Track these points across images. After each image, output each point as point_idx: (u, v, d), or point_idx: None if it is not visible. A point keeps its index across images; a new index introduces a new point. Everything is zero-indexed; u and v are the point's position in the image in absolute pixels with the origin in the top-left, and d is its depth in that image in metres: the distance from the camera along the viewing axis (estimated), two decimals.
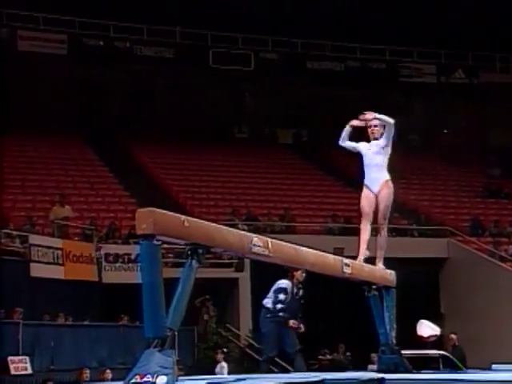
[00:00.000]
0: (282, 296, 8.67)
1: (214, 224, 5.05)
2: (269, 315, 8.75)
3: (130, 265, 16.24)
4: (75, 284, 15.34)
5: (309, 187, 22.70)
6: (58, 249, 15.47)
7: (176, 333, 4.50)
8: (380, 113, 7.35)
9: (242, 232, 5.28)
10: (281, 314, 8.67)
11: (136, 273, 14.65)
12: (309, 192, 22.34)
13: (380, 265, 7.05)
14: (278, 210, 20.37)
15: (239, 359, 16.41)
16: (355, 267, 6.53)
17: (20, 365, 12.58)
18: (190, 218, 4.72)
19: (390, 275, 7.08)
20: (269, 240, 5.35)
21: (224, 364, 14.54)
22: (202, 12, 23.32)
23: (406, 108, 27.60)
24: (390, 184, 7.43)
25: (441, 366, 12.84)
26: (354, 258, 6.95)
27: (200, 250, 4.68)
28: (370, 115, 7.45)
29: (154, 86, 24.76)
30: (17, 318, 13.35)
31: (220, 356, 14.84)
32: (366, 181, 7.31)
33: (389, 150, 7.49)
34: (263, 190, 22.01)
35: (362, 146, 7.43)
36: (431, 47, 26.06)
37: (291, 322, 8.69)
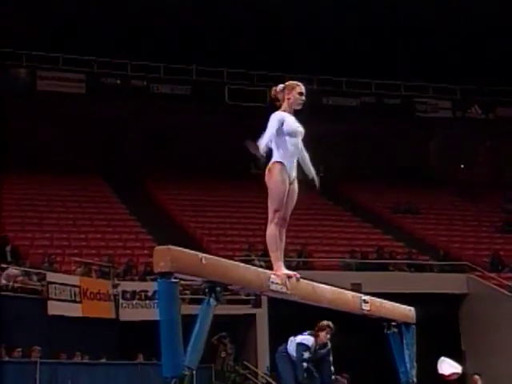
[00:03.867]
0: (307, 355, 8.56)
1: (231, 261, 5.04)
2: (284, 354, 8.70)
3: (148, 302, 16.19)
4: (92, 321, 15.30)
5: (326, 222, 22.64)
6: (75, 286, 15.48)
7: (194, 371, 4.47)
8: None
9: (260, 269, 5.25)
10: (301, 371, 8.54)
11: (153, 310, 14.61)
12: (326, 227, 22.28)
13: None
14: (295, 246, 20.30)
15: None
16: (374, 304, 6.46)
17: None
18: (207, 255, 4.72)
19: (410, 311, 6.99)
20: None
21: None
22: (217, 49, 23.60)
23: (422, 143, 27.62)
24: None
25: None
26: (373, 294, 6.86)
27: (218, 288, 4.66)
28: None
29: (171, 123, 24.97)
30: (34, 356, 13.32)
31: None
32: (285, 160, 5.50)
33: None
34: None
35: (285, 117, 5.59)
36: (447, 82, 26.15)
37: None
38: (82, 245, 18.92)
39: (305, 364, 8.55)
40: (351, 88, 26.07)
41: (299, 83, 5.78)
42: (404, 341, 6.80)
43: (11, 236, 17.56)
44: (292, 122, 5.59)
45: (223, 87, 24.34)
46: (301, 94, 5.69)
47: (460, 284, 19.91)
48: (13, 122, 22.05)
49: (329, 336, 8.54)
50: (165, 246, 4.42)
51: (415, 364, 6.81)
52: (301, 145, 5.66)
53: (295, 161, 5.60)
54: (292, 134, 5.55)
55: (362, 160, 26.08)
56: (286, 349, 8.73)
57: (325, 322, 8.76)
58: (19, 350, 13.47)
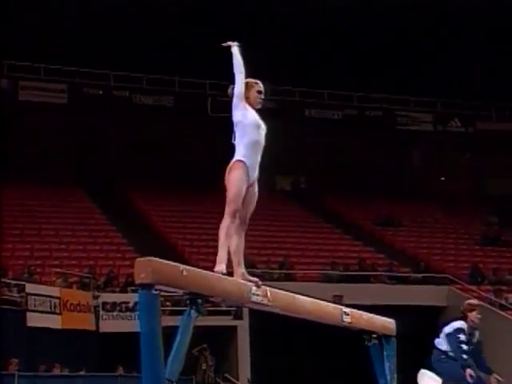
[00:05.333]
0: (463, 336, 8.02)
1: (212, 273, 5.04)
2: (443, 356, 8.23)
3: (128, 313, 16.11)
4: (72, 333, 15.20)
5: (307, 234, 22.69)
6: (55, 297, 15.37)
7: None
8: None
9: (241, 281, 5.26)
10: (465, 356, 8.02)
11: (134, 321, 14.55)
12: (307, 239, 22.32)
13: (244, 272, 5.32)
14: (277, 257, 20.32)
15: None
16: (354, 316, 6.48)
17: None
18: (188, 267, 4.71)
19: (391, 324, 7.02)
20: (268, 289, 5.33)
21: None
22: (200, 61, 23.65)
23: (404, 156, 27.82)
24: None
25: None
26: (353, 306, 6.88)
27: (199, 300, 4.66)
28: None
29: (153, 135, 24.95)
30: (12, 369, 13.19)
31: None
32: (245, 158, 5.26)
33: None
34: (261, 237, 21.99)
35: (250, 109, 5.40)
36: (428, 96, 26.39)
37: (468, 372, 7.91)
38: (62, 256, 18.81)
39: (463, 346, 7.98)
40: (333, 100, 26.22)
41: (258, 81, 5.52)
42: (384, 353, 6.81)
43: None
44: (255, 117, 5.37)
45: (206, 99, 24.38)
46: (259, 92, 5.44)
47: (440, 296, 20.02)
48: None
49: (479, 316, 8.11)
50: (146, 258, 4.42)
51: (395, 376, 6.83)
52: (263, 142, 5.39)
53: (257, 161, 5.34)
54: (254, 127, 5.33)
55: (344, 172, 26.20)
56: (440, 351, 8.24)
57: (473, 302, 8.48)
58: None
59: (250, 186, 5.32)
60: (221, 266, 5.09)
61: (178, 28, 24.02)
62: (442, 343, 8.35)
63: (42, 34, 22.76)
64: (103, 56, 23.17)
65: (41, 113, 22.92)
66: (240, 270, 5.30)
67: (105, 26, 23.47)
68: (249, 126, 5.32)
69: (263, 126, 5.41)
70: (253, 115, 5.37)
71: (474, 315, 8.20)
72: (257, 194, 5.42)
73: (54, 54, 22.57)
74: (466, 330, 8.16)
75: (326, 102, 26.19)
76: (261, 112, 5.56)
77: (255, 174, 5.34)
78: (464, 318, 8.23)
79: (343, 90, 25.71)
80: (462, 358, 8.05)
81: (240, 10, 23.73)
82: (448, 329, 8.31)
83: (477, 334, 8.36)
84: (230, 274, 5.23)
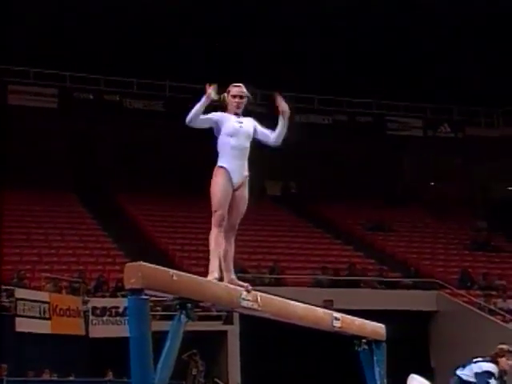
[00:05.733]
0: (493, 382, 7.94)
1: (202, 278, 5.04)
2: None
3: (118, 318, 16.06)
4: (62, 338, 15.14)
5: (297, 239, 22.70)
6: (44, 302, 15.30)
7: None
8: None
9: (231, 286, 5.26)
10: None
11: (124, 326, 14.49)
12: (298, 244, 22.34)
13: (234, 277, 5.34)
14: (267, 262, 20.32)
15: None
16: (345, 321, 6.49)
17: None
18: (178, 271, 4.71)
19: (381, 328, 7.03)
20: (258, 294, 5.33)
21: None
22: (191, 65, 23.66)
23: (393, 161, 27.89)
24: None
25: None
26: (344, 311, 6.88)
27: (189, 305, 4.65)
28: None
29: (144, 139, 24.90)
30: (1, 374, 13.13)
31: None
32: (226, 164, 5.31)
33: None
34: (252, 242, 21.99)
35: (225, 117, 5.45)
36: (417, 101, 26.48)
37: None
38: (52, 260, 18.73)
39: None
40: (323, 106, 26.27)
41: (236, 85, 5.52)
42: (374, 358, 6.82)
43: None
44: (231, 123, 5.39)
45: (196, 103, 24.36)
46: (234, 96, 5.46)
47: (430, 301, 20.07)
48: None
49: (510, 363, 7.96)
50: (136, 263, 4.42)
51: (385, 381, 6.84)
52: (246, 144, 5.39)
53: (242, 164, 5.36)
54: (231, 134, 5.36)
55: (334, 177, 26.24)
56: (463, 381, 8.14)
57: (504, 347, 8.21)
58: None
59: (235, 189, 5.31)
60: (213, 275, 5.14)
61: (169, 33, 24.02)
62: (467, 375, 8.21)
63: (31, 39, 22.71)
64: (94, 60, 23.13)
65: (31, 117, 22.84)
66: (229, 275, 5.32)
67: (95, 31, 23.44)
68: (223, 134, 5.38)
69: (244, 130, 5.40)
70: (228, 121, 5.40)
71: (504, 361, 8.09)
72: (246, 197, 5.40)
73: (45, 59, 22.51)
74: (496, 374, 8.07)
75: (316, 108, 26.24)
76: (251, 116, 5.57)
77: (240, 177, 5.33)
78: (495, 361, 8.12)
79: (333, 95, 25.77)
80: None
81: (227, 15, 23.76)
82: (477, 368, 8.16)
83: (505, 378, 8.25)
84: (222, 280, 5.25)
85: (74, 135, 24.24)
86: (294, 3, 24.29)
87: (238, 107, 5.46)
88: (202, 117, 5.43)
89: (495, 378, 8.04)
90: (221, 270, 5.28)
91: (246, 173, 5.39)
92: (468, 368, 8.28)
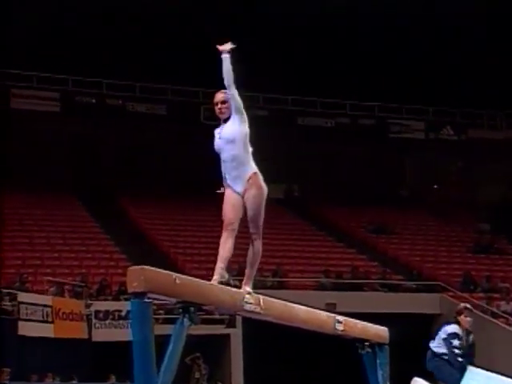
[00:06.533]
0: (456, 342, 8.17)
1: (205, 281, 5.04)
2: (437, 358, 8.35)
3: (121, 322, 16.05)
4: (64, 342, 15.12)
5: (300, 242, 22.69)
6: (47, 306, 15.30)
7: None
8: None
9: (234, 289, 5.25)
10: (460, 359, 8.18)
11: (127, 330, 14.48)
12: (300, 247, 22.32)
13: (247, 288, 5.35)
14: (270, 266, 20.30)
15: None
16: (348, 324, 6.48)
17: None
18: (181, 275, 4.71)
19: (384, 331, 7.02)
20: (260, 297, 5.33)
21: None
22: (193, 69, 23.69)
23: (396, 164, 27.88)
24: (260, 178, 5.37)
25: None
26: (347, 314, 6.88)
27: (192, 308, 4.65)
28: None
29: (146, 143, 24.93)
30: (4, 379, 13.12)
31: None
32: (228, 179, 5.39)
33: (247, 131, 5.39)
34: None
35: (214, 138, 5.43)
36: (420, 104, 26.48)
37: None
38: (55, 264, 18.74)
39: (456, 351, 8.09)
40: (326, 109, 26.28)
41: (217, 92, 5.45)
42: (377, 361, 6.81)
43: None
44: (215, 140, 5.39)
45: (199, 107, 24.39)
46: (216, 104, 5.41)
47: (433, 304, 20.03)
48: None
49: (470, 319, 8.23)
50: (138, 266, 4.41)
51: None
52: (232, 151, 5.30)
53: (240, 171, 5.32)
54: (218, 152, 5.39)
55: (337, 180, 26.24)
56: (434, 353, 8.33)
57: (462, 305, 8.53)
58: None
59: (244, 193, 5.35)
60: (217, 273, 5.24)
61: (173, 36, 24.04)
62: (437, 346, 8.44)
63: (34, 42, 22.75)
64: (96, 64, 23.16)
65: (33, 121, 22.87)
66: (220, 265, 5.37)
67: (98, 35, 23.46)
68: (216, 147, 5.40)
69: (224, 138, 5.33)
70: (214, 139, 5.40)
71: (464, 319, 8.32)
72: (255, 195, 5.35)
73: (47, 62, 22.55)
74: (459, 334, 8.26)
75: (319, 110, 26.25)
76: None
77: (242, 183, 5.32)
78: (457, 321, 8.35)
79: (336, 98, 25.78)
80: (457, 361, 8.21)
81: (227, 16, 23.78)
82: (443, 333, 8.40)
83: (471, 337, 8.45)
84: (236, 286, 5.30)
85: (76, 139, 24.26)
86: (294, 3, 24.28)
87: (220, 114, 5.39)
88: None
89: (459, 338, 8.22)
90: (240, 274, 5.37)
91: (249, 173, 5.32)
92: (437, 337, 8.46)
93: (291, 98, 25.76)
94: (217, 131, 5.41)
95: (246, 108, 5.60)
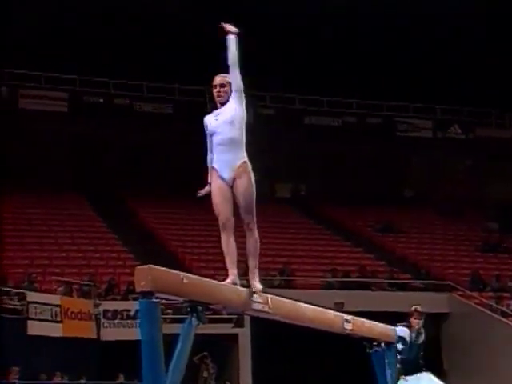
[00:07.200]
0: (399, 346, 8.11)
1: (213, 281, 5.04)
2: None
3: (129, 321, 16.08)
4: (73, 341, 15.17)
5: (307, 241, 22.66)
6: (56, 306, 15.34)
7: None
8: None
9: (242, 288, 5.26)
10: (398, 365, 8.08)
11: (135, 329, 14.51)
12: (307, 246, 22.30)
13: (256, 283, 5.19)
14: (277, 265, 20.29)
15: None
16: (356, 323, 6.47)
17: None
18: (188, 274, 4.71)
19: (392, 331, 7.01)
20: (269, 296, 5.33)
21: None
22: (200, 69, 23.68)
23: (403, 162, 27.82)
24: (249, 167, 5.19)
25: None
26: (355, 313, 6.86)
27: (199, 308, 4.65)
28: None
29: (153, 142, 24.95)
30: (13, 377, 13.17)
31: None
32: (215, 163, 5.17)
33: (245, 115, 5.26)
34: (261, 244, 21.71)
35: (207, 120, 5.30)
36: (427, 102, 26.41)
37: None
38: (63, 264, 18.78)
39: (398, 356, 7.97)
40: (333, 108, 26.25)
41: (216, 76, 5.32)
42: (386, 360, 6.81)
43: None
44: (209, 122, 5.26)
45: (206, 106, 24.39)
46: (214, 86, 5.27)
47: (441, 303, 19.98)
48: None
49: (419, 321, 8.42)
50: (146, 266, 4.42)
51: (397, 383, 6.83)
52: (230, 133, 5.14)
53: (232, 155, 5.14)
54: (211, 134, 5.23)
55: (344, 179, 26.20)
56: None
57: (413, 308, 8.69)
58: None
59: (233, 182, 5.16)
60: (230, 278, 5.17)
61: (178, 35, 24.05)
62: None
63: (41, 42, 22.79)
64: (103, 64, 23.19)
65: (41, 121, 22.93)
66: (233, 271, 5.24)
67: (106, 35, 23.49)
68: (209, 134, 5.28)
69: (222, 120, 5.18)
70: (208, 122, 5.27)
71: (414, 321, 8.59)
72: (246, 185, 5.14)
73: (55, 63, 22.59)
74: (407, 338, 8.45)
75: (326, 109, 26.22)
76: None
77: (231, 169, 5.12)
78: (408, 322, 8.63)
79: (343, 97, 25.74)
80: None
81: (234, 15, 23.74)
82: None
83: (421, 337, 8.69)
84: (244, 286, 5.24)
85: (84, 138, 24.31)
86: (294, 3, 24.24)
87: (218, 96, 5.24)
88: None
89: (403, 343, 8.36)
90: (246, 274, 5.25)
91: (240, 161, 5.15)
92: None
93: (298, 98, 25.74)
94: (213, 114, 5.28)
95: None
